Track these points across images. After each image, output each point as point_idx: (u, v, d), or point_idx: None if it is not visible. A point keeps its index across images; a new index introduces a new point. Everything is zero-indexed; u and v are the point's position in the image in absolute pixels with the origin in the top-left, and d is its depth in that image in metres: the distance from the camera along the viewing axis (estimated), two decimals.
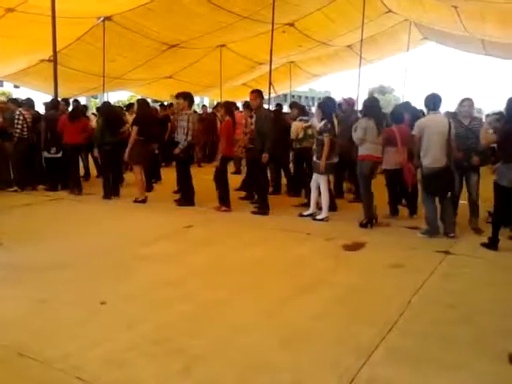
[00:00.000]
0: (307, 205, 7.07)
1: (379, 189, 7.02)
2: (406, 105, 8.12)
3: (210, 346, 3.16)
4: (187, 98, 7.64)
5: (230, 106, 7.66)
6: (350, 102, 8.47)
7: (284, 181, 8.88)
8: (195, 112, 7.88)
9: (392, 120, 6.92)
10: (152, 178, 9.24)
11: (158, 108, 12.49)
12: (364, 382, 2.79)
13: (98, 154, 8.71)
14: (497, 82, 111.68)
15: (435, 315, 3.71)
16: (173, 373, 2.85)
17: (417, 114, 7.51)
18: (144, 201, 7.84)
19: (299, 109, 8.50)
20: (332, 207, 7.01)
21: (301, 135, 7.86)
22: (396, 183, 6.86)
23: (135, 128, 7.73)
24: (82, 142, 8.65)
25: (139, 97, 15.61)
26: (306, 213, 6.90)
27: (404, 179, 6.52)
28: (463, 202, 6.44)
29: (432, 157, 5.72)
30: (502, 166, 5.33)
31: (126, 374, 2.84)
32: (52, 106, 8.96)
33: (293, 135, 8.00)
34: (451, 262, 5.04)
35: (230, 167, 8.52)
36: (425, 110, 6.46)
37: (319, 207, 6.84)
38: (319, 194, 6.76)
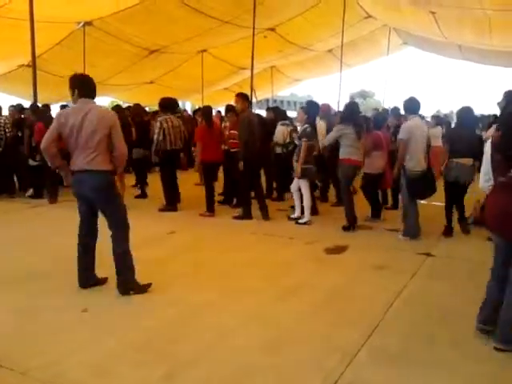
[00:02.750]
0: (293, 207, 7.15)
1: (359, 192, 7.10)
2: (395, 110, 8.15)
3: (195, 351, 3.15)
4: (160, 104, 7.74)
5: (206, 111, 7.68)
6: (323, 109, 8.42)
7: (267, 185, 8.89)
8: (174, 115, 7.74)
9: (374, 126, 7.01)
10: (139, 183, 9.14)
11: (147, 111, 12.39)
12: (348, 383, 2.81)
13: None
14: (474, 86, 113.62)
15: (418, 316, 3.76)
16: (157, 379, 2.83)
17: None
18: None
19: (275, 113, 8.61)
20: (313, 211, 7.04)
21: (288, 139, 7.92)
22: (376, 187, 6.94)
23: None
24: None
25: (120, 102, 15.54)
26: (292, 215, 6.97)
27: (385, 182, 6.61)
28: (441, 203, 6.54)
29: (416, 160, 5.81)
30: (448, 163, 6.06)
31: (109, 382, 2.81)
32: (36, 111, 8.85)
33: (279, 139, 8.03)
34: (433, 264, 5.11)
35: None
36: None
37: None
38: (301, 197, 6.79)
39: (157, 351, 3.14)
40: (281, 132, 8.04)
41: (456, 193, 6.12)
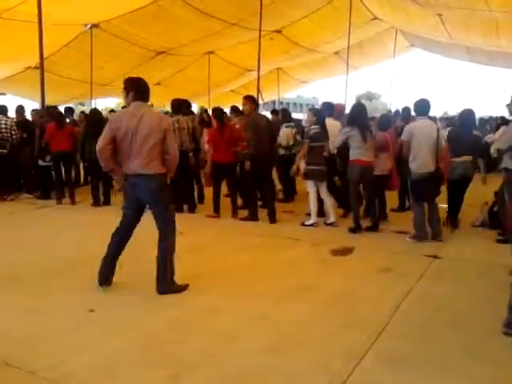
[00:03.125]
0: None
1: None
2: (406, 111, 8.10)
3: (199, 352, 3.14)
4: (171, 105, 7.82)
5: (217, 112, 7.68)
6: (338, 109, 8.46)
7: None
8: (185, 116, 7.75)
9: (378, 127, 6.98)
10: None
11: None
12: None
13: (83, 162, 8.70)
14: (481, 88, 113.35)
15: (424, 319, 3.73)
16: (161, 380, 2.83)
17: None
18: None
19: (282, 115, 8.67)
20: (320, 213, 7.02)
21: (292, 141, 7.92)
22: (382, 189, 6.91)
23: None
24: (69, 149, 8.54)
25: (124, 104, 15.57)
26: (307, 222, 6.80)
27: (391, 184, 6.59)
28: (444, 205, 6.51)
29: (420, 162, 5.78)
30: (451, 163, 6.38)
31: (115, 382, 2.81)
32: (46, 113, 8.90)
33: (283, 141, 8.04)
34: (440, 266, 5.07)
35: None
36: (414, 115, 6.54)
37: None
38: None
39: (161, 352, 3.14)
40: (285, 134, 8.06)
41: (458, 190, 6.46)
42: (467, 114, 6.57)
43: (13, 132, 8.36)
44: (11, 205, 8.11)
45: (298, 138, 7.95)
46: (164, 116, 4.33)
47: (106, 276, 4.24)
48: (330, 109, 7.30)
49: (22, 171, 8.91)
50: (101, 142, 4.03)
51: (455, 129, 7.00)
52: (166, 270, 4.13)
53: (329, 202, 6.82)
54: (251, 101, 7.10)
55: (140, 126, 3.94)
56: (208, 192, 7.93)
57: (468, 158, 6.33)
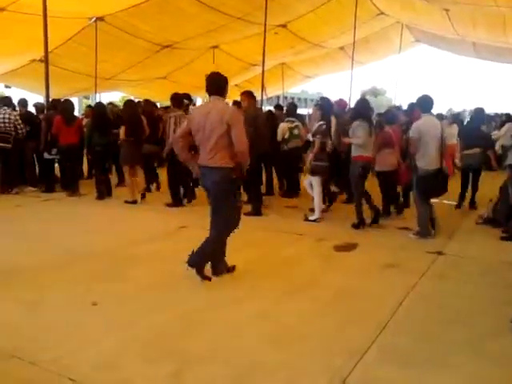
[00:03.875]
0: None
1: (371, 190, 7.05)
2: (412, 106, 8.09)
3: (204, 348, 3.15)
4: (172, 99, 7.75)
5: None
6: (341, 105, 8.46)
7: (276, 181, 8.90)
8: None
9: (385, 121, 6.97)
10: (150, 179, 9.19)
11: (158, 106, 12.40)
12: (357, 381, 2.80)
13: (89, 154, 8.72)
14: (488, 84, 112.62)
15: (427, 316, 3.73)
16: (164, 375, 2.84)
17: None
18: (134, 202, 7.81)
19: (288, 109, 8.69)
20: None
21: (286, 135, 7.93)
22: (389, 185, 6.90)
23: (122, 128, 7.77)
24: (77, 142, 8.55)
25: (131, 98, 15.58)
26: (311, 217, 6.81)
27: (398, 179, 6.57)
28: (450, 202, 6.49)
29: (428, 159, 5.76)
30: (462, 155, 7.63)
31: (118, 376, 2.82)
32: (51, 106, 8.91)
33: (279, 136, 8.04)
34: (443, 263, 5.07)
35: None
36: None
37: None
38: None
39: (165, 347, 3.15)
40: (280, 129, 8.07)
41: (468, 178, 7.62)
42: (477, 113, 7.84)
43: (18, 126, 8.33)
44: (16, 198, 8.13)
45: (296, 132, 7.96)
46: (230, 109, 4.37)
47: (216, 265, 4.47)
48: (330, 104, 7.28)
49: (26, 164, 8.91)
50: (176, 134, 4.43)
51: (467, 125, 8.65)
52: (203, 252, 4.28)
53: (318, 198, 6.80)
54: (249, 96, 7.10)
55: (207, 120, 4.12)
56: None
57: (477, 150, 7.41)
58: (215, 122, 4.07)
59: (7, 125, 8.22)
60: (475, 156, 7.42)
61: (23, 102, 9.24)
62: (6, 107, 8.36)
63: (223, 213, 4.30)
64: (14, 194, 8.39)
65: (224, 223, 4.33)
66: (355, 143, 6.30)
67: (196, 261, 4.23)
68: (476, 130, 7.66)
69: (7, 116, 8.23)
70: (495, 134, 9.82)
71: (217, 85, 4.31)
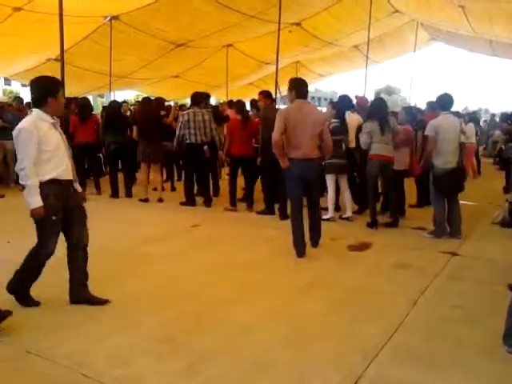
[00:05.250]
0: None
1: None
2: (431, 104, 7.99)
3: (215, 345, 3.16)
4: (191, 98, 7.84)
5: (239, 105, 7.66)
6: (362, 102, 8.32)
7: None
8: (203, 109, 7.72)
9: (402, 120, 6.94)
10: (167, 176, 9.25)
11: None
12: (370, 380, 2.78)
13: (104, 153, 8.79)
14: (504, 82, 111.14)
15: (441, 316, 3.70)
16: (177, 371, 2.85)
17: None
18: (146, 200, 7.85)
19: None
20: (337, 207, 7.00)
21: None
22: (401, 183, 6.85)
23: (134, 127, 7.82)
24: (95, 140, 8.61)
25: (145, 95, 15.66)
26: (325, 216, 6.67)
27: (410, 172, 6.56)
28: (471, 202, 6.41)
29: (445, 157, 5.70)
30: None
31: (130, 372, 2.84)
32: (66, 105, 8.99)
33: None
34: (457, 264, 5.01)
35: None
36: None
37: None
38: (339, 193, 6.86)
39: (178, 344, 3.17)
40: None
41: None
42: None
43: None
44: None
45: None
46: (322, 113, 5.62)
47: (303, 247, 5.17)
48: (349, 102, 7.22)
49: None
50: (276, 133, 4.96)
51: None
52: (320, 229, 5.42)
53: (348, 195, 6.76)
54: (266, 96, 7.08)
55: (307, 119, 4.95)
56: (224, 185, 7.98)
57: None
58: (315, 123, 5.01)
59: None
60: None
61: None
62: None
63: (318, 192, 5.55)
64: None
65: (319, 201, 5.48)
66: (361, 142, 6.34)
67: (317, 237, 5.42)
68: None
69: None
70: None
71: (304, 90, 5.17)
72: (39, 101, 3.56)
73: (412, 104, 15.70)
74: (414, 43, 16.46)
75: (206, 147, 7.57)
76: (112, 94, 15.61)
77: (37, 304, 3.73)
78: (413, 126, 7.08)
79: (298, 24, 13.55)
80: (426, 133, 5.86)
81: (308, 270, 4.72)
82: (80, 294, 3.75)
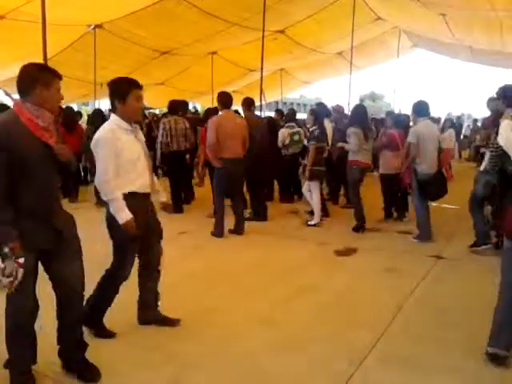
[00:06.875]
0: (311, 212, 7.03)
1: (371, 194, 7.07)
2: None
3: (203, 352, 3.14)
4: (168, 107, 7.94)
5: (211, 112, 7.68)
6: (339, 110, 8.52)
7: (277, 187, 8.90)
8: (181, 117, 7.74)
9: (394, 124, 7.01)
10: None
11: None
12: None
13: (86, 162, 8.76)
14: (485, 88, 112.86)
15: (428, 319, 3.72)
16: (163, 380, 2.83)
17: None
18: None
19: (288, 114, 8.73)
20: (324, 213, 7.03)
21: (287, 141, 7.93)
22: (392, 188, 6.88)
23: None
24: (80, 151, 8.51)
25: None
26: (310, 222, 6.81)
27: (401, 183, 6.59)
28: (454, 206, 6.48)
29: (428, 163, 5.77)
30: None
31: (116, 381, 2.81)
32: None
33: (280, 142, 8.04)
34: (443, 267, 5.06)
35: None
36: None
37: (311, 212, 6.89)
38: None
39: (164, 352, 3.14)
40: (281, 134, 8.07)
41: None
42: None
43: None
44: None
45: (296, 138, 7.94)
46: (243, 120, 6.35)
47: None
48: (325, 110, 7.35)
49: None
50: (211, 140, 5.82)
51: None
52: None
53: (317, 201, 6.80)
54: (246, 103, 7.15)
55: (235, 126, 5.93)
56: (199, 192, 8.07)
57: None
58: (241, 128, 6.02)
59: None
60: None
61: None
62: None
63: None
64: None
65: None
66: (347, 149, 6.43)
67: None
68: None
69: None
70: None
71: (228, 101, 6.23)
72: (111, 104, 3.27)
73: (396, 110, 15.85)
74: (397, 50, 16.67)
75: (187, 155, 7.68)
76: (97, 102, 15.52)
77: (113, 335, 3.35)
78: (405, 131, 7.13)
79: (282, 31, 13.64)
80: (408, 140, 5.92)
81: (296, 275, 4.72)
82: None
